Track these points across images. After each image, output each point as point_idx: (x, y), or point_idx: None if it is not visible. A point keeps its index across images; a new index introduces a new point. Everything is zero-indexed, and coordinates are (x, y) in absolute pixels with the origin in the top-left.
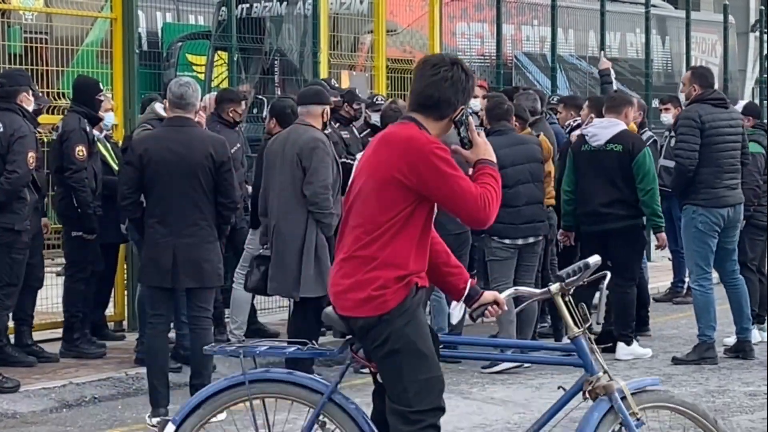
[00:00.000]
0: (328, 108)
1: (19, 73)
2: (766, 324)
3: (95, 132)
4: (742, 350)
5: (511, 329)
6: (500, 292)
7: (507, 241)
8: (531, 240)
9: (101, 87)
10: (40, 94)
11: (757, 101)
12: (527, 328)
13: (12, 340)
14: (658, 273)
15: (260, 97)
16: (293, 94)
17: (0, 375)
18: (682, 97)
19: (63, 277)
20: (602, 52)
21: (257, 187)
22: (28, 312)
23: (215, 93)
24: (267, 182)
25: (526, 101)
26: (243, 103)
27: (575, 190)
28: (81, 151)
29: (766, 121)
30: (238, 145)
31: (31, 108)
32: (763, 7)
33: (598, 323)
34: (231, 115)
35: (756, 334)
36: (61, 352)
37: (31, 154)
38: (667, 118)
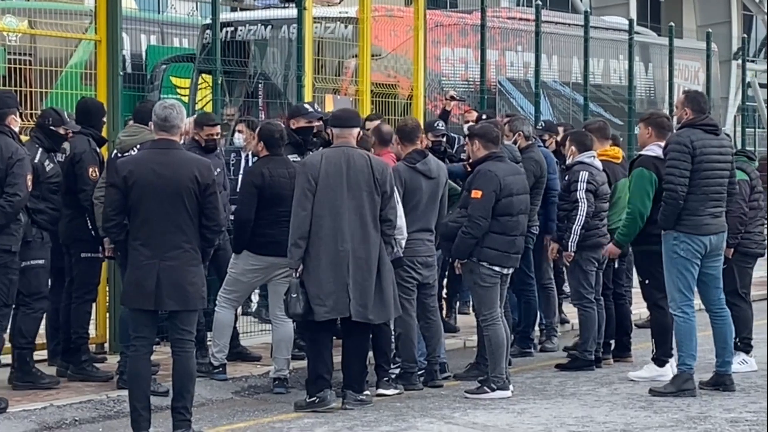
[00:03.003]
0: (360, 131)
1: (6, 95)
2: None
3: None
4: (722, 384)
5: (501, 360)
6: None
7: (496, 268)
8: (512, 270)
9: (106, 109)
10: (68, 119)
11: (739, 129)
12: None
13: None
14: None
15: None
16: (279, 118)
17: None
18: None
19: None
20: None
21: (246, 212)
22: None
23: (194, 116)
24: (323, 204)
25: (522, 125)
26: (219, 126)
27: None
28: (94, 171)
29: (750, 147)
30: (219, 169)
31: (16, 129)
32: (745, 36)
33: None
34: (206, 138)
35: (753, 363)
36: (69, 375)
37: (29, 177)
38: None
